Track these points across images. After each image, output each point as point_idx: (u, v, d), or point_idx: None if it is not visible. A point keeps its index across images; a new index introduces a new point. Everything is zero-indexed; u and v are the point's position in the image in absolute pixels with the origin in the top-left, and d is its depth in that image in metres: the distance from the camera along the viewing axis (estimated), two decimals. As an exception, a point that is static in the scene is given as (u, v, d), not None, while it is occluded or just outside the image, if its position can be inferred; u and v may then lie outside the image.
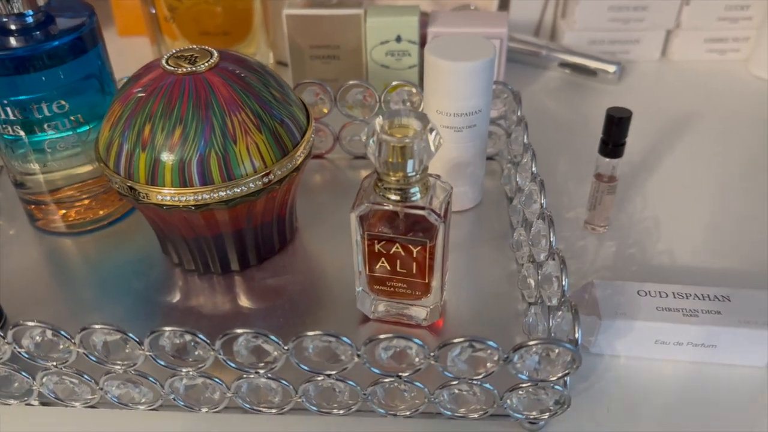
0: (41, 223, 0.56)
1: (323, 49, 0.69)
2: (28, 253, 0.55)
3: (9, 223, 0.58)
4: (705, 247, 0.55)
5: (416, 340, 0.37)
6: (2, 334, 0.40)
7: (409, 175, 0.41)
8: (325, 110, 0.60)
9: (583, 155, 0.64)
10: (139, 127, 0.44)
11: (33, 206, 0.56)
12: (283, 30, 0.69)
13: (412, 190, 0.41)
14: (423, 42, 0.68)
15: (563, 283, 0.41)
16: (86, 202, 0.55)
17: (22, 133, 0.50)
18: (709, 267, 0.53)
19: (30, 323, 0.39)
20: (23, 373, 0.42)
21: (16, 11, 0.48)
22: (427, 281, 0.45)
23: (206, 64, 0.45)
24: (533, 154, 0.50)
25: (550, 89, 0.76)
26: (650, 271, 0.53)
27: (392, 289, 0.46)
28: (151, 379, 0.41)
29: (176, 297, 0.51)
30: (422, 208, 0.42)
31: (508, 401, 0.40)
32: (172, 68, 0.45)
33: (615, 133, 0.51)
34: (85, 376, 0.41)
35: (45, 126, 0.50)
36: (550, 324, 0.42)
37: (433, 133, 0.40)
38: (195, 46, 0.47)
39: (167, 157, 0.44)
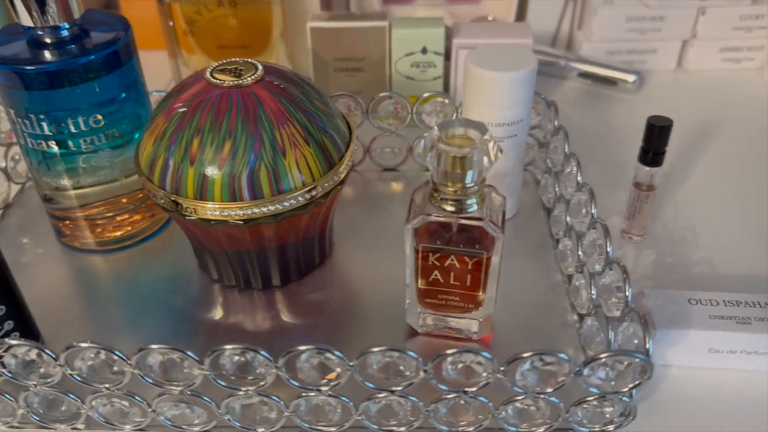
0: (70, 239, 0.55)
1: (347, 61, 0.69)
2: (59, 271, 0.54)
3: (35, 241, 0.56)
4: (742, 254, 0.55)
5: (485, 354, 0.37)
6: (54, 356, 0.38)
7: (468, 186, 0.40)
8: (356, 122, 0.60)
9: (609, 164, 0.64)
10: (186, 142, 0.43)
11: (61, 222, 0.54)
12: (306, 43, 0.69)
13: (469, 201, 0.41)
14: (447, 53, 0.68)
15: (627, 293, 0.40)
16: (118, 218, 0.54)
17: (56, 148, 0.49)
18: (748, 274, 0.53)
19: (84, 344, 0.38)
20: (71, 396, 0.41)
21: (51, 24, 0.47)
22: (481, 294, 0.44)
23: (252, 77, 0.45)
24: (578, 163, 0.50)
25: (570, 99, 0.76)
26: (691, 280, 0.53)
27: (444, 302, 0.45)
28: (206, 398, 0.40)
29: (218, 314, 0.50)
30: (480, 219, 0.41)
31: (574, 415, 0.40)
32: (218, 81, 0.44)
33: (656, 141, 0.51)
34: (137, 398, 0.40)
35: (80, 141, 0.49)
36: (610, 335, 0.42)
37: (492, 143, 0.39)
38: (238, 59, 0.47)
39: (217, 172, 0.43)
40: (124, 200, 0.53)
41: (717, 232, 0.57)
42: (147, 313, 0.50)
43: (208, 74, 0.45)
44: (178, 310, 0.50)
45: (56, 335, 0.48)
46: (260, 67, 0.46)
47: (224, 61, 0.46)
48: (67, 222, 0.54)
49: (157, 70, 0.76)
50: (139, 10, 0.82)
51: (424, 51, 0.67)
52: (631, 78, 0.75)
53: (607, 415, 0.40)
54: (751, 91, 0.77)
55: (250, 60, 0.46)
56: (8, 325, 0.44)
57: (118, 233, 0.55)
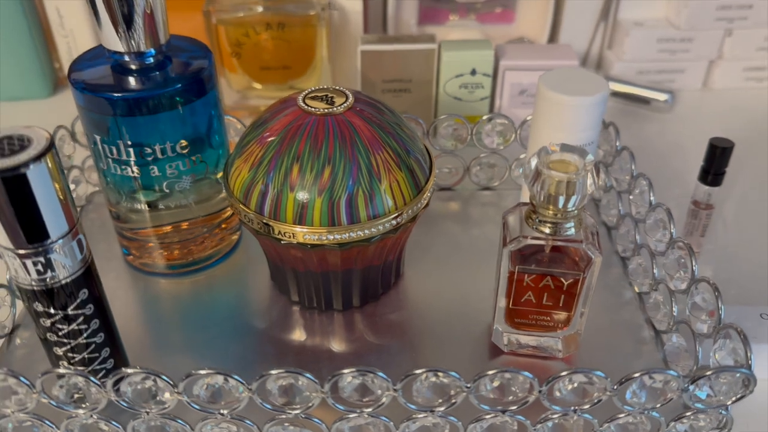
0: (138, 261, 0.55)
1: (395, 83, 0.70)
2: (133, 295, 0.54)
3: (104, 266, 0.55)
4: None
5: (598, 373, 0.38)
6: (172, 383, 0.39)
7: (569, 210, 0.41)
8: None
9: (654, 181, 0.66)
10: (286, 168, 0.44)
11: (131, 243, 0.54)
12: (347, 63, 0.70)
13: (567, 225, 0.42)
14: (494, 74, 0.70)
15: (720, 310, 0.42)
16: (190, 242, 0.54)
17: (140, 173, 0.49)
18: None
19: (202, 371, 0.38)
20: (180, 421, 0.41)
21: (137, 49, 0.47)
22: (571, 313, 0.45)
23: (344, 105, 0.46)
24: (650, 183, 0.52)
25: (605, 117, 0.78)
26: (750, 294, 0.55)
27: (534, 321, 0.46)
28: (316, 420, 0.41)
29: (302, 335, 0.50)
30: (579, 242, 0.42)
31: (673, 429, 0.41)
32: (312, 109, 0.45)
33: (717, 162, 0.53)
34: (248, 422, 0.41)
35: (165, 166, 0.49)
36: (698, 351, 0.43)
37: (596, 168, 0.41)
38: (326, 87, 0.48)
39: (317, 197, 0.43)
40: (199, 223, 0.54)
41: (765, 248, 0.59)
42: (230, 336, 0.50)
43: (300, 102, 0.46)
44: (261, 332, 0.50)
45: (140, 361, 0.48)
46: (350, 94, 0.47)
47: (314, 89, 0.47)
48: (138, 243, 0.54)
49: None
50: (174, 29, 0.83)
51: (473, 72, 0.68)
52: (663, 97, 0.77)
53: (702, 429, 0.42)
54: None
55: (339, 87, 0.47)
56: (105, 352, 0.44)
57: (190, 257, 0.55)
